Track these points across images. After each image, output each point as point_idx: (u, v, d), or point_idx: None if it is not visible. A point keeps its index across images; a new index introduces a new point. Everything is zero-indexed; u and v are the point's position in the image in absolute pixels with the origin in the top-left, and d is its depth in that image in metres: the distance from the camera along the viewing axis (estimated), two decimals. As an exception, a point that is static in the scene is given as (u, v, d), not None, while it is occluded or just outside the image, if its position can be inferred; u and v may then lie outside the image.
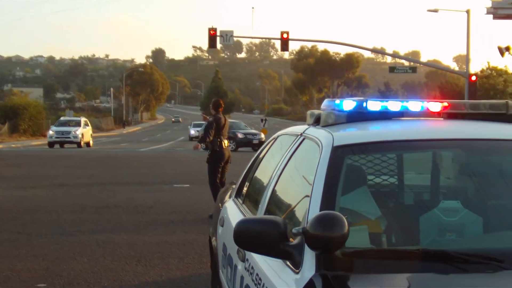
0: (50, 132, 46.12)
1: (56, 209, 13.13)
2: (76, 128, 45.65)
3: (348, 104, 3.93)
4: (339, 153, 3.45)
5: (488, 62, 54.11)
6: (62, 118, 51.32)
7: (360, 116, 3.91)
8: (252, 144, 38.67)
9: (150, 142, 54.84)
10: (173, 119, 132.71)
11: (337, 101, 3.99)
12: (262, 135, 40.01)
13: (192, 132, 55.44)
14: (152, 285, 7.42)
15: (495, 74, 52.24)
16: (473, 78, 38.79)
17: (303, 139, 4.07)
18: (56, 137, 45.07)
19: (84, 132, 46.39)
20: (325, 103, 4.12)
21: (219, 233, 5.06)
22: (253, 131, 42.30)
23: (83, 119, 48.81)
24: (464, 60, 47.00)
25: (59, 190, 16.69)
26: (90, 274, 7.83)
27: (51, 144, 44.97)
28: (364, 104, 3.91)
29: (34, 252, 9.05)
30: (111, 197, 15.06)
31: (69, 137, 44.96)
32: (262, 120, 53.20)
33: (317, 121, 4.09)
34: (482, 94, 45.33)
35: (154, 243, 9.65)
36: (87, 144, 46.67)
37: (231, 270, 4.21)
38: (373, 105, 3.92)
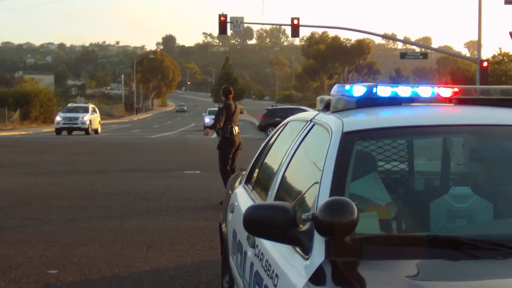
0: (58, 118, 45.27)
1: (66, 195, 13.19)
2: (84, 115, 44.84)
3: (358, 90, 3.90)
4: (349, 139, 3.43)
5: (500, 48, 53.81)
6: (69, 105, 50.57)
7: (370, 101, 3.88)
8: None
9: (160, 129, 54.87)
10: (177, 109, 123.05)
11: (347, 87, 3.97)
12: None
13: (207, 120, 50.33)
14: (162, 271, 7.43)
15: (507, 60, 51.85)
16: (485, 64, 38.57)
17: (313, 125, 4.05)
18: (64, 124, 44.38)
19: (92, 118, 45.65)
20: (335, 88, 4.09)
21: (229, 220, 5.06)
22: None
23: (91, 106, 48.16)
24: (475, 46, 46.69)
25: (70, 176, 16.75)
26: (101, 260, 7.86)
27: (58, 131, 44.19)
28: (374, 90, 3.88)
29: (45, 238, 9.09)
30: (122, 184, 15.10)
31: (77, 123, 44.24)
32: (272, 106, 52.94)
33: (327, 107, 4.07)
34: (493, 80, 45.06)
35: (164, 230, 9.67)
36: (95, 131, 46.07)
37: (241, 256, 4.21)
38: (383, 91, 3.90)
